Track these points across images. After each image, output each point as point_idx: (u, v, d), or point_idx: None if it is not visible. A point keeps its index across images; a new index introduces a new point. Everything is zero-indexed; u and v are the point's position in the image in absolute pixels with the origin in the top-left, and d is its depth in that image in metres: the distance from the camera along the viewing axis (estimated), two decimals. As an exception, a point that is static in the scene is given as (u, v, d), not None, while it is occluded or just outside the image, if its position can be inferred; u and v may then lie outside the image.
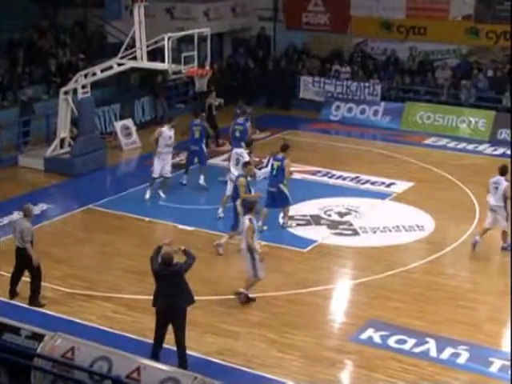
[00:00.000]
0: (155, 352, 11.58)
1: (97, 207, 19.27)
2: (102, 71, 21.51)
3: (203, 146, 21.20)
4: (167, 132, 19.78)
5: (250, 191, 16.84)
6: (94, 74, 21.58)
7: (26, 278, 14.23)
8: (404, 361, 12.54)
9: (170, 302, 11.68)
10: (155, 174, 19.73)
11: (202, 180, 20.90)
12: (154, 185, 19.82)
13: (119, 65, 21.25)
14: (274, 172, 17.87)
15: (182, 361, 11.55)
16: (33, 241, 13.89)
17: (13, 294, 14.23)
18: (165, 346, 11.81)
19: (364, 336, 13.34)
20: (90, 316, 13.73)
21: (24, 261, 13.90)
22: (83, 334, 10.49)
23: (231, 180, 18.15)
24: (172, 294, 11.70)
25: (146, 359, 9.28)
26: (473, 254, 17.02)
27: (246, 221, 14.42)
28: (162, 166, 19.72)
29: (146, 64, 21.10)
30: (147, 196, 19.59)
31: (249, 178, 17.03)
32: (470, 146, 25.43)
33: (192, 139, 20.99)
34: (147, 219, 18.46)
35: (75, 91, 21.65)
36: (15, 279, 14.23)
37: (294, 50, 32.06)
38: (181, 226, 18.03)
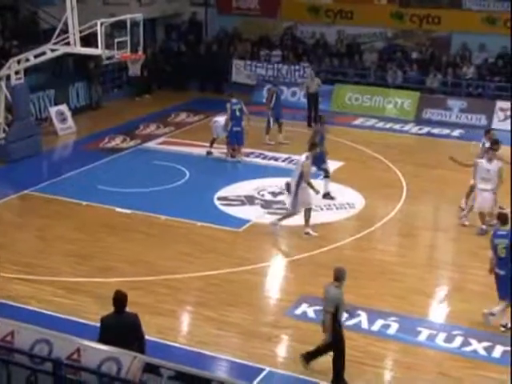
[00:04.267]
0: None
1: (33, 192, 19.01)
2: (36, 57, 21.20)
3: (243, 125, 21.53)
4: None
5: None
6: (28, 60, 21.25)
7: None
8: (337, 334, 12.73)
9: None
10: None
11: (240, 158, 21.68)
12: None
13: (52, 50, 20.95)
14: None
15: None
16: None
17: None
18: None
19: (298, 311, 13.47)
20: (30, 300, 13.57)
21: None
22: (22, 318, 10.37)
23: None
24: None
25: (86, 340, 9.21)
26: (400, 229, 17.30)
27: (303, 157, 16.24)
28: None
29: (79, 50, 20.81)
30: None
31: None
32: (397, 126, 25.76)
33: (235, 119, 21.36)
34: (84, 203, 18.28)
35: (8, 77, 21.28)
36: None
37: (225, 34, 32.02)
38: (118, 209, 17.91)
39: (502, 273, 12.82)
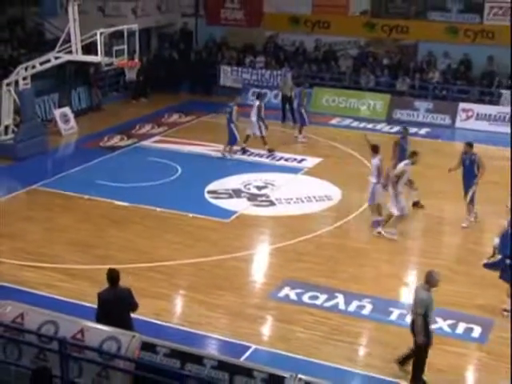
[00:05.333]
0: None
1: (40, 187, 18.92)
2: (41, 64, 21.07)
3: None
4: None
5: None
6: (34, 67, 21.13)
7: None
8: (317, 314, 12.75)
9: None
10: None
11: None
12: None
13: (56, 58, 20.85)
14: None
15: None
16: None
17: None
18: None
19: (281, 294, 13.48)
20: (38, 285, 13.54)
21: None
22: (31, 301, 10.35)
23: None
24: None
25: (89, 322, 9.21)
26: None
27: (402, 164, 15.89)
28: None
29: (80, 57, 20.73)
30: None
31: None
32: (370, 125, 25.77)
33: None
34: (86, 197, 18.22)
35: (17, 83, 21.17)
36: None
37: (213, 42, 31.92)
38: (117, 202, 17.87)
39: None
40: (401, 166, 16.12)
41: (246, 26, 31.31)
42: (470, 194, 16.57)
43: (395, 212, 15.95)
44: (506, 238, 12.76)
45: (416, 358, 10.71)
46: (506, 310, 12.81)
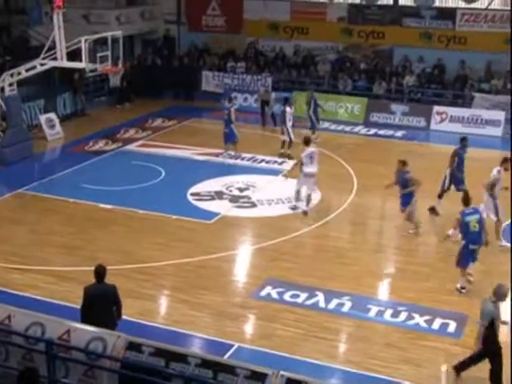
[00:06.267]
0: None
1: (26, 191, 18.79)
2: (27, 71, 20.97)
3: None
4: None
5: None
6: (20, 74, 21.01)
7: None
8: (298, 312, 12.75)
9: None
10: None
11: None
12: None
13: (42, 65, 20.76)
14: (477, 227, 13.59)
15: None
16: None
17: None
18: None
19: (263, 293, 13.47)
20: (24, 287, 13.43)
21: None
22: (18, 303, 10.26)
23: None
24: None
25: (76, 322, 9.15)
26: (352, 219, 17.40)
27: (495, 171, 15.38)
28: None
29: (65, 64, 20.64)
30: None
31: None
32: (348, 128, 25.84)
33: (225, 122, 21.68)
34: (71, 200, 18.11)
35: (3, 89, 21.03)
36: None
37: (195, 48, 31.91)
38: (102, 205, 17.78)
39: (476, 247, 13.26)
40: (494, 173, 15.74)
41: (227, 32, 31.37)
42: (406, 211, 16.09)
43: (495, 217, 15.55)
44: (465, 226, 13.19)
45: (493, 369, 10.46)
46: (462, 288, 13.42)
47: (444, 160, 17.47)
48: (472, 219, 13.18)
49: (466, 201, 13.50)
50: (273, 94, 26.24)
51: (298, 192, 17.68)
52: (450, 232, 13.53)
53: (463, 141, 17.35)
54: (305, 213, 17.26)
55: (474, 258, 13.39)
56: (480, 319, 10.46)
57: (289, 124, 21.69)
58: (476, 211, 13.36)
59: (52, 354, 8.29)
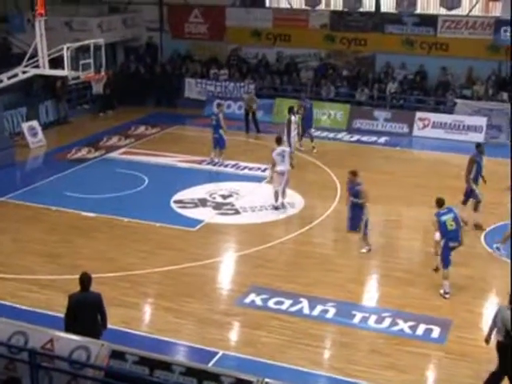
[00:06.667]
0: None
1: (8, 200, 18.66)
2: (9, 78, 20.92)
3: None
4: None
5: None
6: (1, 81, 20.93)
7: None
8: (282, 319, 12.74)
9: None
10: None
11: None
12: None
13: (24, 72, 20.71)
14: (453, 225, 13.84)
15: None
16: None
17: None
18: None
19: (247, 300, 13.46)
20: (6, 296, 13.34)
21: None
22: (1, 313, 10.20)
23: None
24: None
25: (59, 331, 9.10)
26: (336, 225, 17.44)
27: None
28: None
29: (47, 71, 20.60)
30: None
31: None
32: (331, 135, 25.89)
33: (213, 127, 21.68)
34: (54, 208, 18.03)
35: (-16, 97, 20.96)
36: None
37: (178, 56, 31.90)
38: (85, 213, 17.71)
39: (456, 244, 13.59)
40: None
41: (210, 39, 31.39)
42: (361, 225, 15.46)
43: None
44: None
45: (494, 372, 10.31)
46: (446, 293, 13.54)
47: (427, 166, 17.59)
48: (448, 218, 13.46)
49: (440, 202, 13.74)
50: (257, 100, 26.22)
51: (276, 192, 17.92)
52: (437, 236, 13.58)
53: (479, 147, 17.05)
54: (276, 208, 17.83)
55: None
56: (495, 326, 10.22)
57: (292, 134, 21.45)
58: (450, 210, 13.61)
59: (35, 364, 8.25)
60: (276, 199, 17.99)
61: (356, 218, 15.53)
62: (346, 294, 13.75)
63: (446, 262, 13.57)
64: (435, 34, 27.89)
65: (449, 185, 18.04)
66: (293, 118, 21.63)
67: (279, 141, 18.23)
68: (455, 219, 13.50)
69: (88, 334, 9.12)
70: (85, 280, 10.19)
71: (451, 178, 18.50)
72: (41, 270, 14.58)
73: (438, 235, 13.53)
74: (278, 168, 17.71)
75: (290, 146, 20.70)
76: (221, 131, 21.59)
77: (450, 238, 13.48)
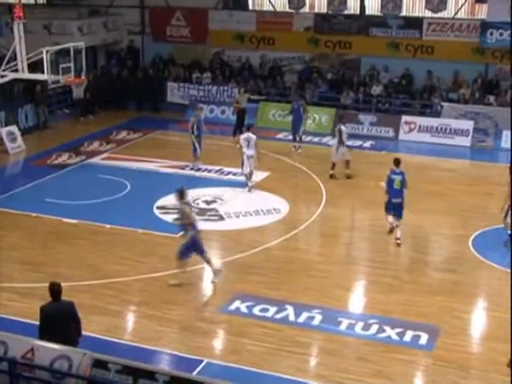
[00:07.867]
0: None
1: (-13, 206, 18.59)
2: (-13, 83, 20.83)
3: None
4: None
5: None
6: (-21, 86, 20.86)
7: None
8: (267, 326, 12.73)
9: None
10: None
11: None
12: None
13: (2, 77, 20.61)
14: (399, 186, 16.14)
15: None
16: None
17: None
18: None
19: (232, 307, 13.44)
20: (-15, 305, 13.28)
21: None
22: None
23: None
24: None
25: (39, 340, 9.05)
26: (321, 231, 17.48)
27: None
28: None
29: (27, 75, 20.55)
30: None
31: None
32: (316, 139, 25.93)
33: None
34: (34, 215, 17.93)
35: (-39, 102, 20.84)
36: None
37: (160, 59, 31.87)
38: (65, 220, 17.63)
39: (398, 200, 16.10)
40: None
41: (192, 42, 31.38)
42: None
43: None
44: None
45: None
46: (398, 239, 16.15)
47: (413, 170, 17.67)
48: (396, 178, 16.00)
49: (396, 162, 16.15)
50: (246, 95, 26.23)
51: (250, 173, 19.87)
52: (383, 185, 16.21)
53: None
54: (250, 188, 19.70)
55: (397, 213, 16.22)
56: None
57: (346, 143, 21.12)
58: (401, 173, 16.03)
59: (15, 374, 8.19)
60: (249, 179, 19.86)
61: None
62: (332, 300, 13.76)
63: (387, 210, 16.35)
64: (421, 36, 28.04)
65: (435, 190, 18.12)
66: (343, 127, 21.15)
67: (249, 128, 20.21)
68: (402, 181, 15.94)
69: (64, 344, 9.03)
70: (55, 289, 10.01)
71: (437, 184, 18.60)
72: (21, 277, 14.49)
73: (384, 185, 16.18)
74: (246, 152, 19.60)
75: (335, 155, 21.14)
76: (192, 136, 21.60)
77: (393, 194, 16.04)
